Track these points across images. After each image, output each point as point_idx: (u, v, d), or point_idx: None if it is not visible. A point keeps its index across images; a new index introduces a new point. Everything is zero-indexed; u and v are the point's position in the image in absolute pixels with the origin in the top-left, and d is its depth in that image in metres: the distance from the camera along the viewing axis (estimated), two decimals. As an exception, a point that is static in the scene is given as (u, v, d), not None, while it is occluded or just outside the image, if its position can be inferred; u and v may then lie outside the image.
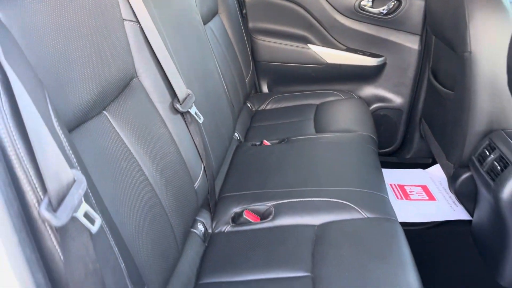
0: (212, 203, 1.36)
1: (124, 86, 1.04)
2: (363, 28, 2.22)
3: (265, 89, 2.44)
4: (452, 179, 1.70)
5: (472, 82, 1.48)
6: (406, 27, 2.15)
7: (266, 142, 1.77)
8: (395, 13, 2.14)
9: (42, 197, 0.60)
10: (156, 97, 1.13)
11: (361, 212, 1.24)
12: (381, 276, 1.01)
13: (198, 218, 1.29)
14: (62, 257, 0.62)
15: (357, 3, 2.17)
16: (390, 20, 2.16)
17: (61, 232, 0.61)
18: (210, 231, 1.30)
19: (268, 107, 2.21)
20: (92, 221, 0.65)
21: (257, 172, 1.52)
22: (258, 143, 1.77)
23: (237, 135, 1.85)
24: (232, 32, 2.09)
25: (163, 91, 1.15)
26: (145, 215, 0.93)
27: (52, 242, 0.61)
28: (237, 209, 1.34)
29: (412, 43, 2.16)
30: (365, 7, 2.17)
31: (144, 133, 1.03)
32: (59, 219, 0.58)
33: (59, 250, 0.62)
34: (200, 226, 1.27)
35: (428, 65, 2.09)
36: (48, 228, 0.61)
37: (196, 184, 1.22)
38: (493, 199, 1.36)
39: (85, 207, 0.64)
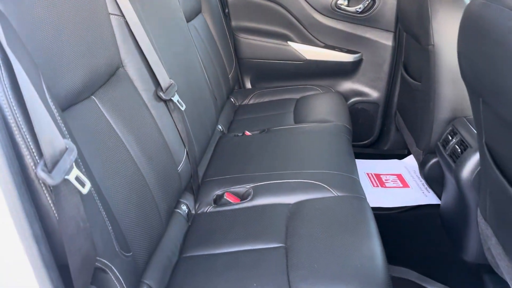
0: (195, 186, 1.45)
1: (111, 74, 1.14)
2: (340, 26, 2.33)
3: (248, 85, 2.54)
4: (421, 165, 1.81)
5: (436, 73, 1.60)
6: (380, 24, 2.27)
7: (247, 133, 1.87)
8: (370, 12, 2.26)
9: (38, 160, 0.69)
10: (140, 85, 1.22)
11: (332, 191, 1.34)
12: (348, 245, 1.11)
13: (182, 200, 1.38)
14: (56, 215, 0.71)
15: (333, 2, 2.29)
16: (365, 18, 2.28)
17: (55, 192, 0.70)
18: (193, 212, 1.40)
19: (251, 101, 2.31)
20: (82, 184, 0.74)
21: (238, 158, 1.62)
22: (240, 134, 1.87)
23: (220, 127, 1.95)
24: (215, 30, 2.19)
25: (147, 80, 1.24)
26: (130, 191, 1.02)
27: (47, 200, 0.70)
28: (218, 192, 1.43)
29: (386, 39, 2.28)
30: (341, 6, 2.29)
31: (129, 117, 1.12)
32: (53, 179, 0.68)
33: (53, 208, 0.71)
34: (184, 207, 1.36)
35: (401, 60, 2.21)
36: (44, 188, 0.70)
37: (179, 167, 1.32)
38: (455, 180, 1.48)
39: (76, 172, 0.73)
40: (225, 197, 1.40)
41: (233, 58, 2.38)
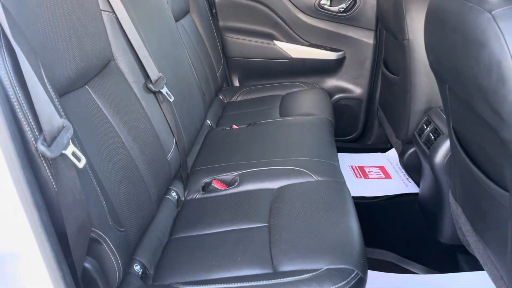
0: (184, 175, 1.52)
1: (103, 67, 1.21)
2: (324, 25, 2.43)
3: (236, 82, 2.62)
4: (400, 155, 1.91)
5: (412, 66, 1.70)
6: (361, 23, 2.37)
7: (235, 126, 1.95)
8: (352, 11, 2.36)
9: (38, 135, 0.76)
10: (131, 77, 1.30)
11: (313, 176, 1.42)
12: (326, 222, 1.19)
13: (172, 187, 1.46)
14: (55, 186, 0.78)
15: (317, 2, 2.38)
16: (347, 17, 2.38)
17: (54, 165, 0.78)
18: (182, 198, 1.47)
19: (239, 98, 2.39)
20: (78, 159, 0.81)
21: (226, 149, 1.70)
22: (228, 128, 1.95)
23: (209, 121, 2.03)
24: (203, 30, 2.27)
25: (137, 73, 1.32)
26: (122, 174, 1.10)
27: (46, 173, 0.78)
28: (206, 179, 1.51)
29: (367, 38, 2.38)
30: (324, 5, 2.39)
31: (120, 107, 1.20)
32: (51, 152, 0.75)
33: (52, 180, 0.78)
34: (174, 194, 1.44)
35: (382, 57, 2.31)
36: (43, 161, 0.77)
37: (168, 156, 1.39)
38: (429, 165, 1.57)
39: (72, 147, 0.81)
40: (213, 184, 1.48)
41: (221, 57, 2.47)
